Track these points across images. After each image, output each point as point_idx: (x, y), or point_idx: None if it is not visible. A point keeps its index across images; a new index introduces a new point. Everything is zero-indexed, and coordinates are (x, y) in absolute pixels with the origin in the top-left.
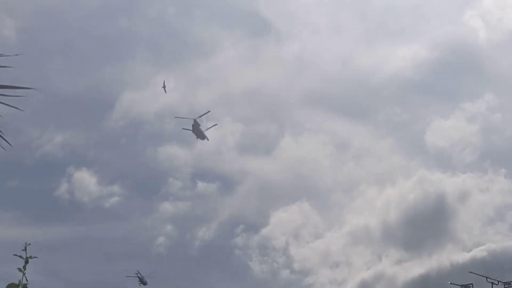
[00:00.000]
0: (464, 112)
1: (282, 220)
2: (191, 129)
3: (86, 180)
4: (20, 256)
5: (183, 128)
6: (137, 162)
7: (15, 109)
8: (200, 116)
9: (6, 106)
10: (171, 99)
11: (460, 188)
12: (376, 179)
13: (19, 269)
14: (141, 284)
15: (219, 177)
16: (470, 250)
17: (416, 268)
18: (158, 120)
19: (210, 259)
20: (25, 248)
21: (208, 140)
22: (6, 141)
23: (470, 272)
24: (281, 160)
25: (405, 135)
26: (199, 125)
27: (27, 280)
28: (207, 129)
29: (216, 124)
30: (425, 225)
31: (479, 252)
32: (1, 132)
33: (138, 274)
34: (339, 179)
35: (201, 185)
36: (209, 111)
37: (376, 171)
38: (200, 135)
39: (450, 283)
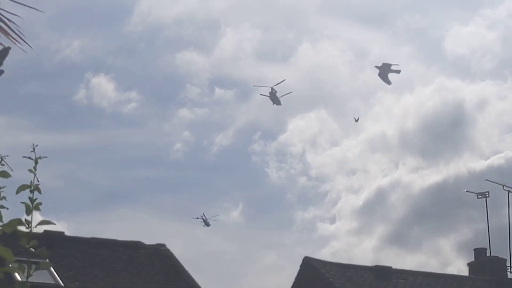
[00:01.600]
0: (484, 18)
1: (299, 127)
2: (269, 95)
3: (104, 86)
4: (30, 158)
5: (260, 94)
6: (155, 67)
7: (34, 11)
8: (276, 84)
9: (25, 7)
10: (189, 5)
11: (478, 96)
12: (394, 87)
13: (30, 170)
14: (205, 225)
15: (237, 84)
16: (488, 158)
17: (433, 175)
18: (176, 25)
19: (227, 165)
20: (34, 149)
21: (281, 105)
22: (27, 43)
23: (486, 180)
24: (298, 67)
25: (424, 42)
26: (276, 92)
27: (38, 181)
28: (282, 96)
29: (291, 92)
30: (443, 133)
31: (496, 160)
32: (22, 34)
33: (203, 217)
34: (356, 87)
35: (218, 91)
36: (284, 80)
37: (395, 78)
38: (276, 101)
39: (466, 191)
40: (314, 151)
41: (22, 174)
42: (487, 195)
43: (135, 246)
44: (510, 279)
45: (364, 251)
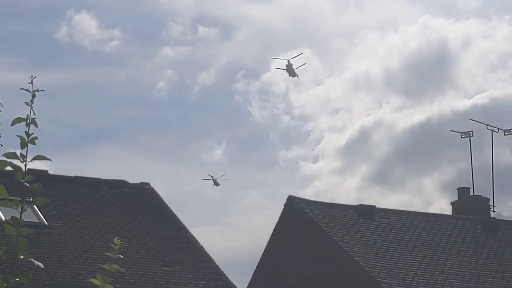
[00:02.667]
0: None
1: (282, 67)
2: (285, 68)
3: (86, 24)
4: (27, 90)
5: (276, 68)
6: (137, 5)
7: None
8: (293, 58)
9: None
10: None
11: (463, 35)
12: (378, 25)
13: (27, 103)
14: (214, 185)
15: (220, 23)
16: (472, 97)
17: (417, 115)
18: None
19: (210, 104)
20: (31, 81)
21: (298, 77)
22: None
23: (470, 119)
24: (282, 6)
25: None
26: (292, 65)
27: (34, 114)
28: (297, 67)
29: (305, 63)
30: (427, 72)
31: (480, 99)
32: None
33: (212, 177)
34: (340, 25)
35: (202, 30)
36: (301, 53)
37: (379, 17)
38: (292, 73)
39: (450, 130)
40: (298, 90)
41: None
42: (471, 135)
43: (119, 185)
44: (492, 218)
45: (347, 190)
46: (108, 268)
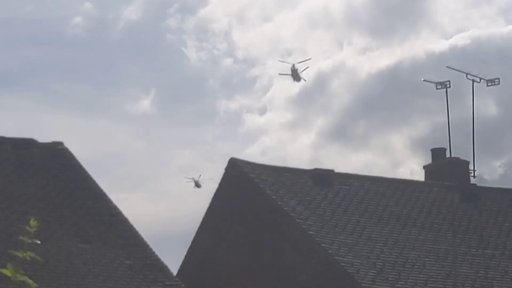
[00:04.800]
0: None
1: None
2: (290, 73)
3: None
4: None
5: (280, 74)
6: None
7: None
8: (300, 62)
9: None
10: None
11: None
12: None
13: None
14: (196, 187)
15: None
16: (450, 37)
17: (384, 58)
18: None
19: (136, 44)
20: None
21: (305, 80)
22: None
23: (447, 67)
24: None
25: None
26: (297, 70)
27: None
28: (302, 71)
29: (308, 67)
30: (397, 6)
31: (460, 40)
32: None
33: (194, 179)
34: None
35: None
36: (310, 58)
37: None
38: (297, 78)
39: (424, 80)
40: (242, 28)
41: None
42: (448, 85)
43: (27, 144)
44: (472, 184)
45: (300, 148)
46: (21, 255)
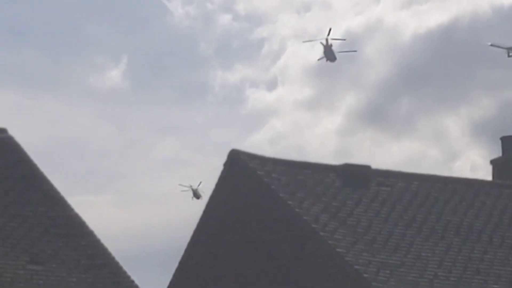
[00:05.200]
0: None
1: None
2: (323, 53)
3: None
4: None
5: (304, 41)
6: None
7: None
8: (333, 39)
9: None
10: None
11: None
12: None
13: None
14: (195, 198)
15: None
16: None
17: (435, 14)
18: None
19: None
20: None
21: (336, 59)
22: None
23: None
24: None
25: None
26: (331, 45)
27: None
28: (340, 52)
29: (356, 51)
30: None
31: None
32: None
33: (192, 187)
34: None
35: None
36: (345, 39)
37: None
38: (331, 57)
39: (491, 44)
40: None
41: None
42: None
43: None
44: None
45: (323, 136)
46: None
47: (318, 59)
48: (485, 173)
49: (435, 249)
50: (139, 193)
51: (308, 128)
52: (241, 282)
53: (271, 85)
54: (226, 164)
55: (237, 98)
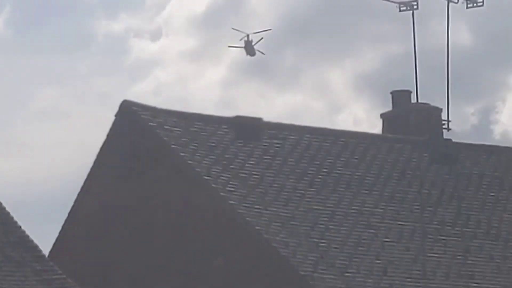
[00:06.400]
0: None
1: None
2: (244, 46)
3: None
4: None
5: (229, 46)
6: None
7: None
8: (256, 33)
9: None
10: None
11: None
12: None
13: None
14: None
15: None
16: None
17: None
18: None
19: None
20: None
21: (263, 54)
22: None
23: None
24: None
25: None
26: (252, 41)
27: None
28: (255, 43)
29: (262, 38)
30: None
31: None
32: None
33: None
34: None
35: None
36: (270, 29)
37: None
38: (251, 51)
39: None
40: None
41: None
42: (415, 6)
43: None
44: (447, 140)
45: (207, 87)
46: None
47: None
48: (368, 127)
49: (326, 202)
50: (18, 143)
51: (192, 79)
52: (133, 235)
53: (155, 36)
54: (117, 115)
55: (121, 48)
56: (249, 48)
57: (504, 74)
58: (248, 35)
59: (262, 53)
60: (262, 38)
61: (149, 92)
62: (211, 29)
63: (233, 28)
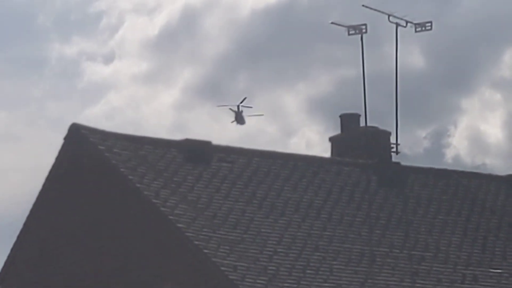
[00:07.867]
0: None
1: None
2: (234, 116)
3: None
4: None
5: (218, 106)
6: None
7: None
8: (241, 103)
9: None
10: None
11: None
12: None
13: None
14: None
15: None
16: None
17: None
18: None
19: None
20: None
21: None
22: None
23: (363, 5)
24: None
25: None
26: (242, 111)
27: None
28: (250, 116)
29: (262, 115)
30: None
31: None
32: None
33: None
34: None
35: None
36: (245, 98)
37: None
38: (241, 121)
39: (332, 22)
40: None
41: None
42: (364, 30)
43: None
44: (396, 163)
45: (160, 110)
46: None
47: (231, 122)
48: (320, 150)
49: (275, 225)
50: None
51: (145, 103)
52: (81, 259)
53: (108, 59)
54: (66, 138)
55: (74, 71)
56: (239, 118)
57: (456, 98)
58: (238, 106)
59: (249, 107)
60: (245, 98)
61: (101, 116)
62: (164, 52)
63: (218, 106)
